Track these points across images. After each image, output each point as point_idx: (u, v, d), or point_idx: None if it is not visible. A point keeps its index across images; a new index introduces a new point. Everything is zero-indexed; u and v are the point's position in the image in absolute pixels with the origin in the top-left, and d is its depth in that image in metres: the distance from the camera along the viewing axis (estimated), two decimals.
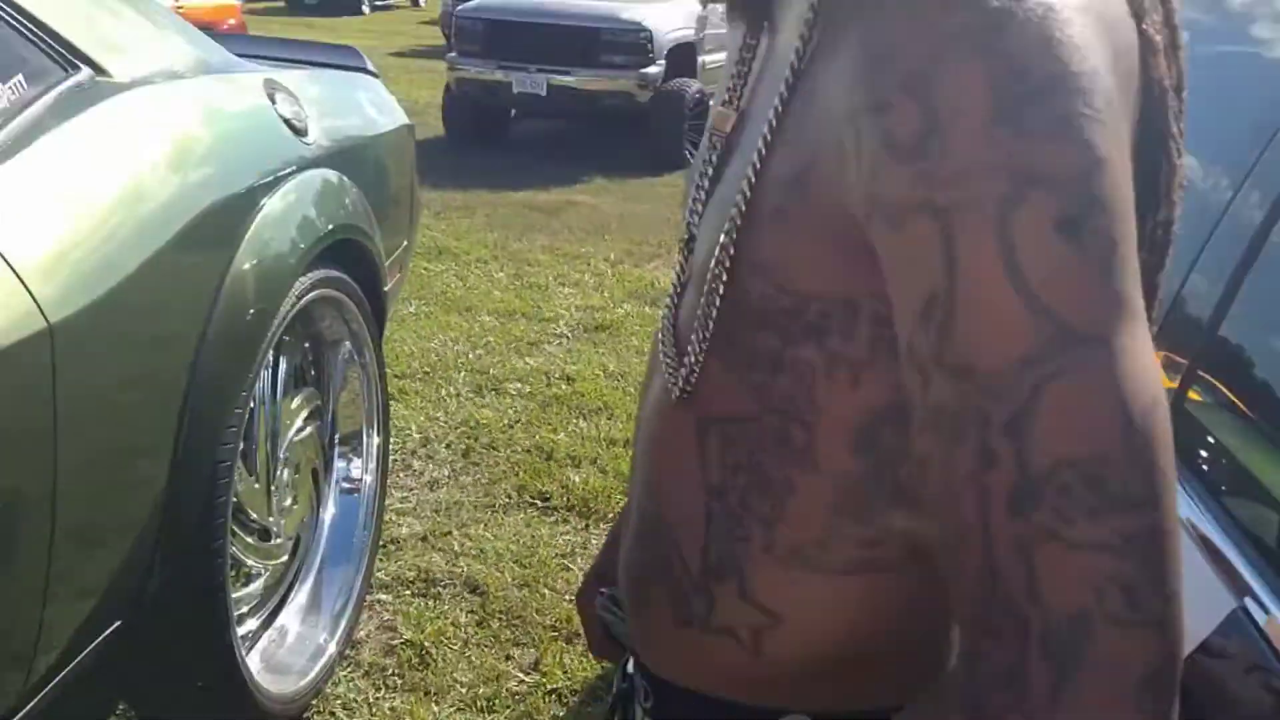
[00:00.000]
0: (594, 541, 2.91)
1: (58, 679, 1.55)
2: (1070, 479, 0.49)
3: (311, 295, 2.05)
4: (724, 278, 0.64)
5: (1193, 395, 1.26)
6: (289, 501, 2.17)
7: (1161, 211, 0.64)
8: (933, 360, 0.52)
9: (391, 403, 3.45)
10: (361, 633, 2.43)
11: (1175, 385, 1.27)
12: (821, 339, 0.60)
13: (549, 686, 2.31)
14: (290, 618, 2.23)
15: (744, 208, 0.62)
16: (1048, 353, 0.50)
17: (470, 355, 4.19)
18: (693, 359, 0.67)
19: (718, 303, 0.64)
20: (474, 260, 5.47)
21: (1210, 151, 1.47)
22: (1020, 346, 0.50)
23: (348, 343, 2.31)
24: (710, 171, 0.70)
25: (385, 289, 2.43)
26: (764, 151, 0.62)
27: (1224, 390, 1.27)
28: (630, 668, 0.82)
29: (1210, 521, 0.76)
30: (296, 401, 2.20)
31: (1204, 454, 1.18)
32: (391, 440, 3.07)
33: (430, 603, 2.58)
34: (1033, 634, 0.49)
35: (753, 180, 0.62)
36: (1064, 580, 0.49)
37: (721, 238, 0.64)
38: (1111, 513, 0.49)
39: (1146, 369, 0.51)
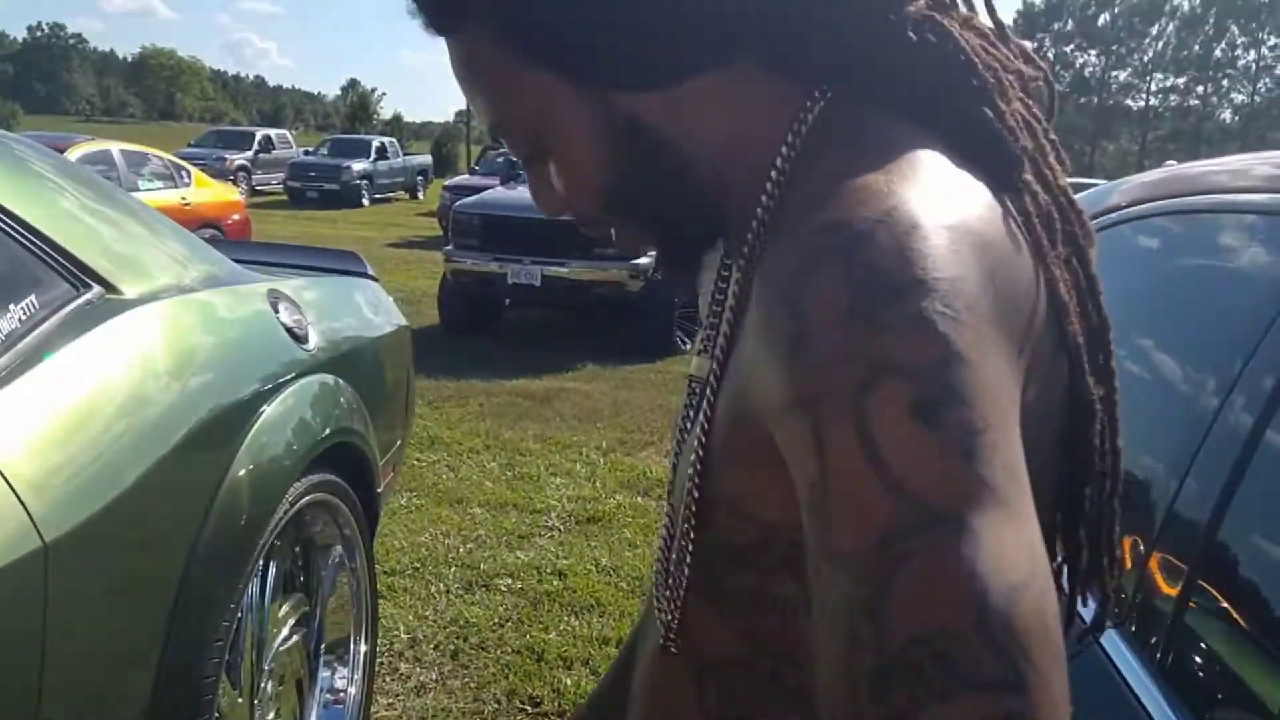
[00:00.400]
0: None
1: None
2: (921, 657, 0.49)
3: (305, 500, 2.04)
4: (693, 519, 0.66)
5: (1192, 604, 1.25)
6: (271, 716, 2.10)
7: (1086, 455, 0.66)
8: (820, 550, 0.53)
9: (380, 601, 3.40)
10: None
11: (1175, 592, 1.27)
12: (797, 571, 0.60)
13: None
14: None
15: (702, 446, 0.66)
16: (904, 531, 0.50)
17: (461, 549, 4.14)
18: (674, 604, 0.68)
19: (692, 544, 0.66)
20: (466, 450, 5.48)
21: (1197, 358, 1.51)
22: (879, 527, 0.51)
23: (339, 547, 2.29)
24: (691, 415, 0.74)
25: (378, 490, 2.43)
26: (715, 388, 0.67)
27: (1224, 599, 1.26)
28: None
29: None
30: (285, 609, 2.16)
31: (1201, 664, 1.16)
32: (378, 641, 3.00)
33: None
34: None
35: (708, 418, 0.66)
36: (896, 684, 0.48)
37: (686, 480, 0.67)
38: (964, 693, 0.48)
39: (1013, 552, 0.51)
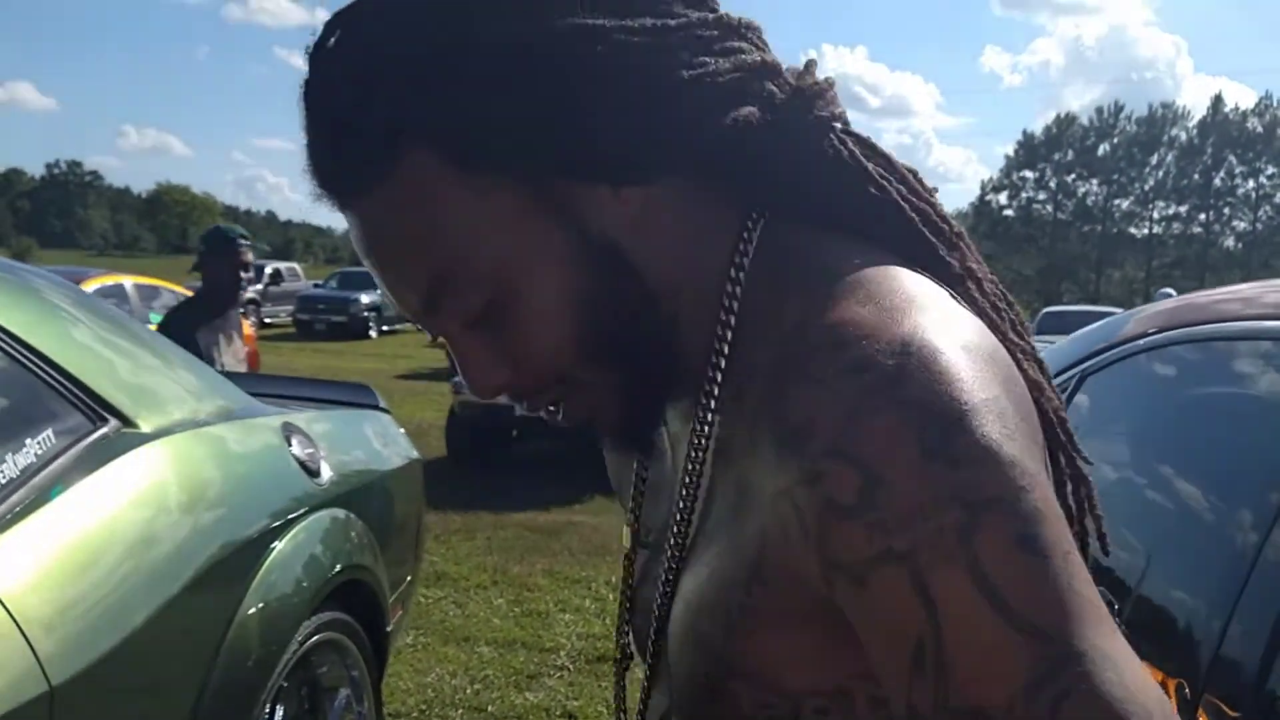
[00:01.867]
0: None
1: None
2: None
3: (314, 640, 1.99)
4: (712, 690, 0.63)
5: None
6: None
7: (1080, 523, 0.66)
8: (938, 709, 0.51)
9: None
10: None
11: None
12: None
13: None
14: None
15: (728, 618, 0.62)
16: (1051, 671, 0.50)
17: (468, 690, 4.02)
18: None
19: (710, 715, 0.63)
20: (473, 586, 5.37)
21: (1227, 489, 1.47)
22: (1024, 672, 0.50)
23: (346, 690, 2.22)
24: (661, 581, 0.69)
25: (388, 629, 2.37)
26: (678, 555, 0.65)
27: None
28: None
29: None
30: None
31: None
32: None
33: None
34: None
35: (725, 587, 0.62)
36: None
37: (699, 657, 0.63)
38: None
39: (1135, 667, 0.51)
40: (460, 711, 3.81)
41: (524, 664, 4.32)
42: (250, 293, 20.85)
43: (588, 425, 0.68)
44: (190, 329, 3.91)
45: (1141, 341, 1.62)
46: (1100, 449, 1.51)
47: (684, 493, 0.67)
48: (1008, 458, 0.52)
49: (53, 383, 1.58)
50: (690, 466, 0.66)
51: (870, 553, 0.53)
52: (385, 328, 24.27)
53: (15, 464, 1.39)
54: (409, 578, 2.68)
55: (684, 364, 0.65)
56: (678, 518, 0.68)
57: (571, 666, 4.34)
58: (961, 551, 0.51)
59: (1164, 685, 1.11)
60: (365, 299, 23.57)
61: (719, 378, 0.63)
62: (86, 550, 1.44)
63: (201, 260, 4.08)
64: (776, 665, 0.60)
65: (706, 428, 0.64)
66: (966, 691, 0.51)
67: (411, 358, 18.44)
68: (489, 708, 3.85)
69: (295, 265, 30.23)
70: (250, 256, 4.10)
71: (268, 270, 24.82)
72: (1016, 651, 0.50)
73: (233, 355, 4.10)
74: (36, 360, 1.55)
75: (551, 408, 0.67)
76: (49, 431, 1.47)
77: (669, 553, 0.69)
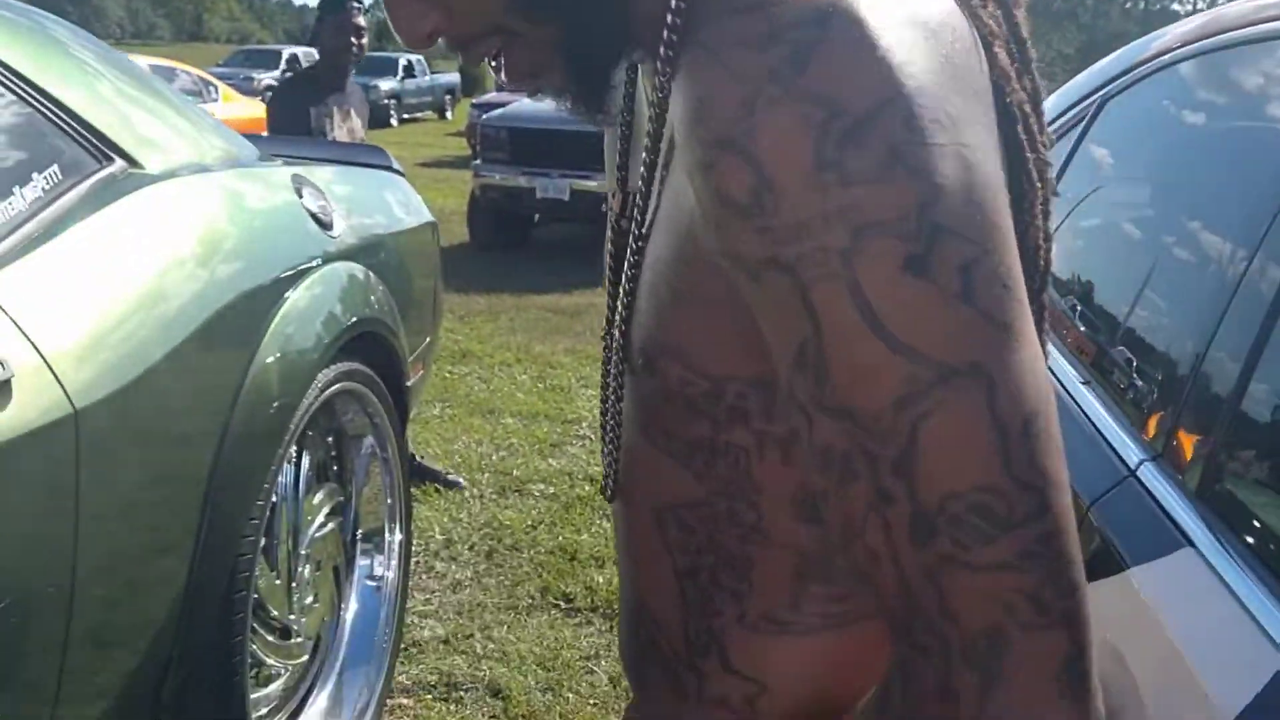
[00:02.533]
0: (616, 644, 2.83)
1: None
2: (959, 511, 0.51)
3: (334, 389, 2.04)
4: (649, 367, 0.66)
5: (1227, 436, 1.21)
6: (310, 599, 2.13)
7: (1030, 234, 0.63)
8: (813, 403, 0.54)
9: (415, 504, 3.42)
10: None
11: (1211, 425, 1.22)
12: (747, 421, 0.62)
13: None
14: (315, 715, 2.17)
15: (660, 295, 0.64)
16: (918, 391, 0.51)
17: (494, 457, 4.16)
18: (615, 453, 0.71)
19: (649, 392, 0.67)
20: (498, 364, 5.48)
21: (1225, 226, 1.44)
22: (892, 389, 0.51)
23: (370, 437, 2.29)
24: (630, 257, 0.70)
25: (408, 384, 2.42)
26: (642, 222, 0.64)
27: (1252, 466, 1.23)
28: None
29: (1249, 581, 0.72)
30: (319, 497, 2.17)
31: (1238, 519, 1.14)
32: (414, 542, 3.02)
33: (452, 707, 2.51)
34: (954, 649, 0.52)
35: (637, 257, 0.64)
36: (972, 600, 0.51)
37: (641, 334, 0.66)
38: (1005, 535, 0.51)
39: (1023, 382, 0.52)
40: (487, 475, 3.96)
41: (547, 434, 4.46)
42: (268, 79, 20.39)
43: (532, 84, 0.65)
44: (300, 102, 3.74)
45: (1165, 57, 1.52)
46: (1116, 174, 1.46)
47: (645, 168, 0.66)
48: (913, 169, 0.50)
49: (57, 121, 1.56)
50: (649, 142, 0.64)
51: (760, 256, 0.52)
52: (406, 116, 23.84)
53: (23, 197, 1.39)
54: (428, 339, 2.72)
55: (636, 29, 0.62)
56: (641, 190, 0.67)
57: (592, 436, 4.47)
58: (843, 273, 0.50)
59: (1148, 417, 1.10)
60: (385, 85, 23.00)
61: (670, 48, 0.59)
62: (98, 284, 1.47)
63: (314, 28, 3.87)
64: (701, 348, 0.62)
65: (663, 98, 0.61)
66: (840, 394, 0.53)
67: (432, 146, 18.19)
68: (514, 472, 3.99)
69: (313, 51, 29.41)
70: (363, 21, 3.85)
71: (284, 55, 24.17)
72: (889, 370, 0.51)
73: (348, 133, 3.89)
74: (38, 97, 1.53)
75: (494, 63, 0.64)
76: (54, 168, 1.47)
77: (634, 230, 0.69)
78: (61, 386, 1.34)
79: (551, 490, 3.86)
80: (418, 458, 3.77)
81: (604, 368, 0.73)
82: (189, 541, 1.67)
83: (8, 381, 1.24)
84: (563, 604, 3.03)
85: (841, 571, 0.63)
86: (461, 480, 3.86)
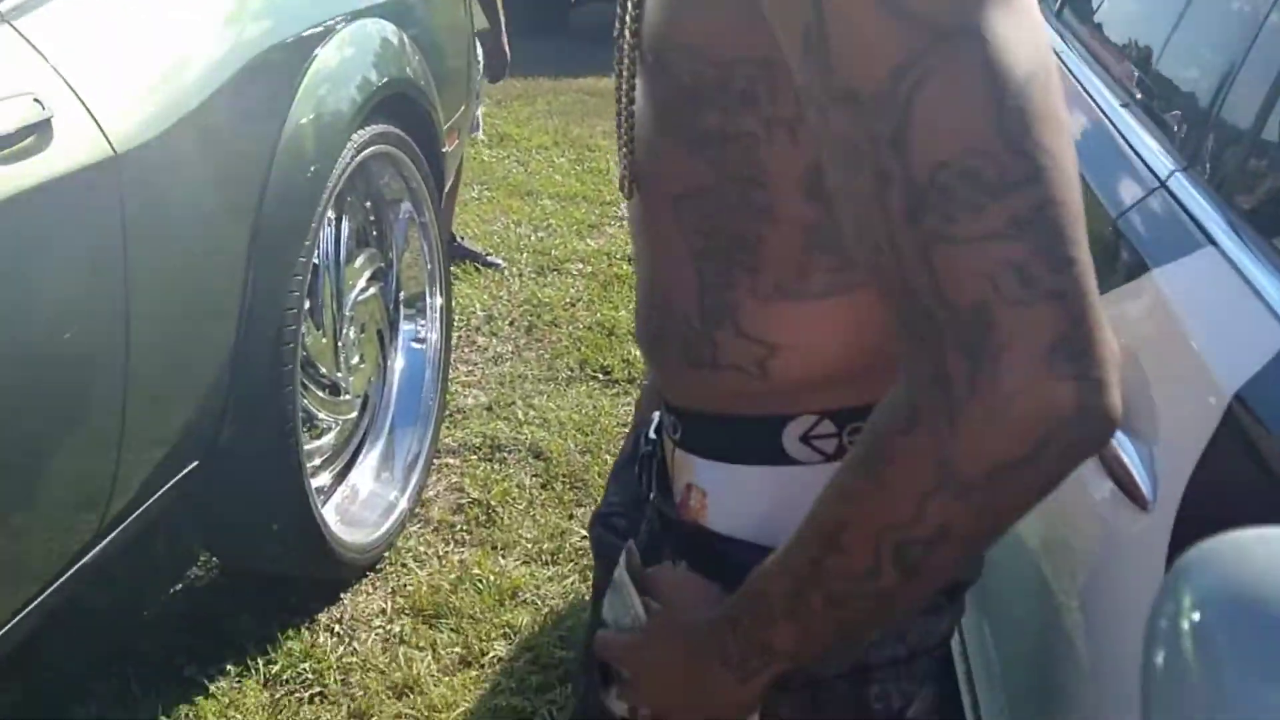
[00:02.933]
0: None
1: (136, 514, 1.60)
2: (949, 180, 0.51)
3: (369, 151, 2.04)
4: (659, 62, 0.68)
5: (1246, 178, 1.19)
6: (356, 359, 2.20)
7: None
8: (824, 94, 0.55)
9: (455, 282, 3.48)
10: (430, 492, 2.48)
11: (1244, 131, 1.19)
12: (755, 106, 0.64)
13: None
14: (362, 475, 2.28)
15: None
16: (915, 57, 0.51)
17: (533, 237, 4.18)
18: (630, 148, 0.74)
19: (660, 87, 0.69)
20: (535, 147, 5.43)
21: None
22: (891, 58, 0.52)
23: (407, 202, 2.31)
24: None
25: (444, 150, 2.42)
26: None
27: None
28: (652, 432, 0.89)
29: (1266, 271, 0.72)
30: (359, 261, 2.21)
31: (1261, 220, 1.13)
32: (456, 317, 3.09)
33: (496, 466, 2.62)
34: (945, 333, 0.52)
35: None
36: (960, 276, 0.52)
37: (650, 37, 0.68)
38: (994, 202, 0.51)
39: (1018, 45, 0.52)
40: (526, 255, 3.99)
41: (585, 215, 4.46)
42: None
43: None
44: None
45: None
46: None
47: None
48: None
49: None
50: None
51: None
52: None
53: None
54: (463, 107, 2.69)
55: None
56: None
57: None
58: None
59: (1180, 132, 1.06)
60: None
61: None
62: (130, 37, 1.46)
63: None
64: (708, 37, 0.65)
65: None
66: (843, 76, 0.53)
67: None
68: (553, 251, 4.02)
69: None
70: None
71: None
72: (889, 37, 0.51)
73: None
74: None
75: None
76: None
77: None
78: (101, 130, 1.36)
79: (589, 269, 3.89)
80: (458, 238, 3.80)
81: (616, 68, 0.75)
82: (235, 295, 1.72)
83: (48, 120, 1.26)
84: (600, 376, 3.11)
85: (844, 242, 0.66)
86: (500, 261, 3.89)
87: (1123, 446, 0.78)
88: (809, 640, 0.66)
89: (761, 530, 0.74)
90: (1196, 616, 0.40)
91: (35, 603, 1.42)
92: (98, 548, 1.52)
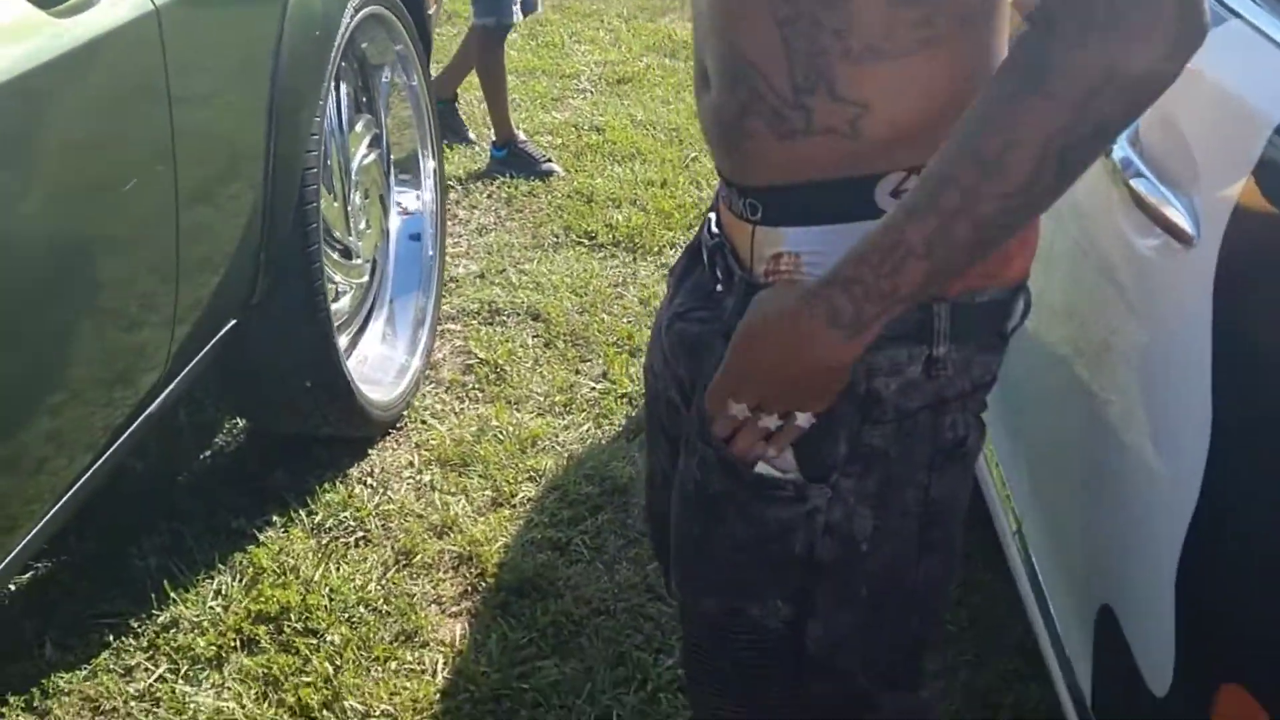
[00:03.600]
0: (642, 272, 3.01)
1: (188, 368, 1.67)
2: None
3: (365, 11, 2.06)
4: None
5: None
6: (363, 225, 2.25)
7: None
8: None
9: None
10: (437, 356, 2.57)
11: None
12: None
13: (619, 392, 2.45)
14: (374, 337, 2.36)
15: None
16: None
17: None
18: None
19: None
20: None
21: None
22: None
23: (387, 69, 2.34)
24: None
25: (429, 11, 2.44)
26: None
27: None
28: (714, 228, 0.96)
29: None
30: (359, 127, 2.24)
31: None
32: None
33: (497, 329, 2.71)
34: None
35: None
36: None
37: None
38: None
39: None
40: (493, 129, 4.00)
41: (547, 89, 4.46)
42: None
43: None
44: None
45: None
46: None
47: None
48: None
49: None
50: None
51: None
52: None
53: None
54: None
55: None
56: None
57: (593, 89, 4.48)
58: None
59: None
60: None
61: None
62: None
63: None
64: None
65: None
66: None
67: None
68: (521, 125, 4.01)
69: None
70: None
71: None
72: None
73: None
74: None
75: None
76: None
77: None
78: None
79: (559, 141, 3.92)
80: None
81: None
82: (260, 159, 1.76)
83: None
84: (586, 241, 3.19)
85: None
86: (471, 135, 3.91)
87: (1164, 194, 0.89)
88: (937, 276, 0.75)
89: None
90: None
91: (110, 450, 1.49)
92: (159, 399, 1.59)
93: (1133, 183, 0.93)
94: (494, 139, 3.70)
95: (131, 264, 1.48)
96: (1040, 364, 1.21)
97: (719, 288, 0.95)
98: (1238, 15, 0.92)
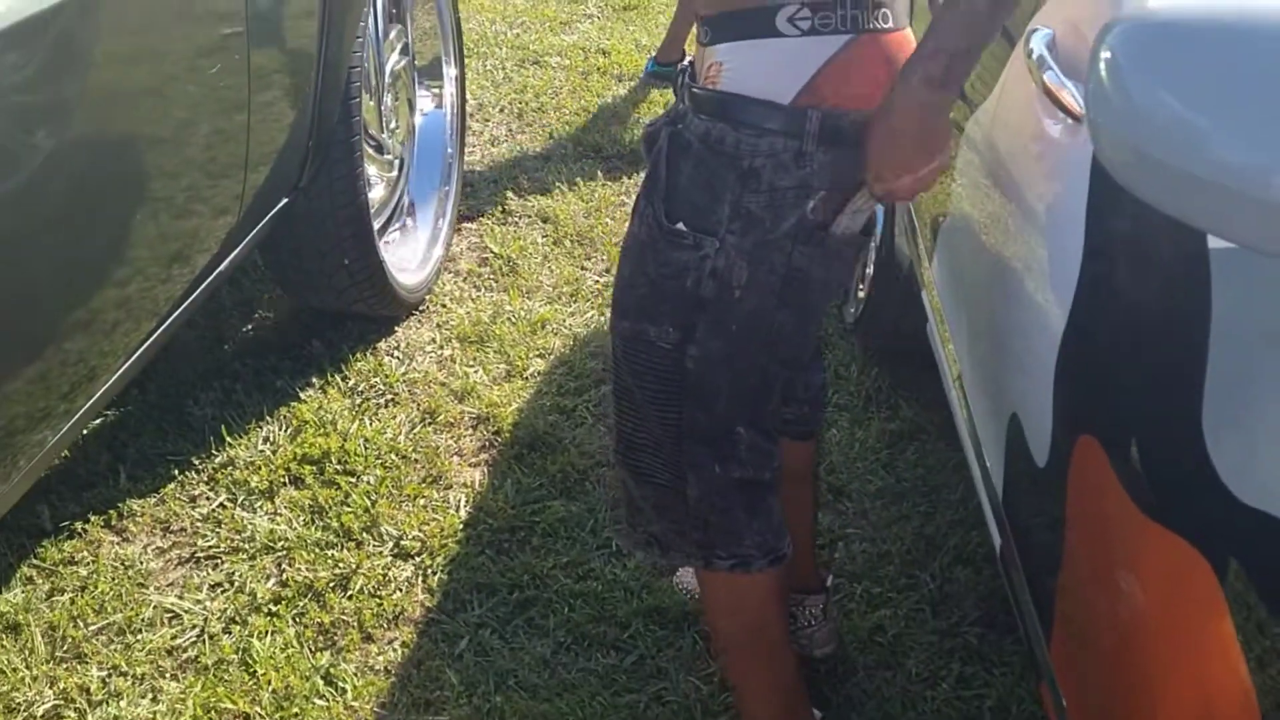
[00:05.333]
0: None
1: (246, 239, 1.91)
2: None
3: None
4: None
5: None
6: (393, 124, 2.48)
7: None
8: None
9: None
10: (455, 249, 2.81)
11: None
12: None
13: None
14: (400, 228, 2.60)
15: None
16: None
17: (509, 33, 4.38)
18: None
19: None
20: None
21: None
22: None
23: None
24: None
25: None
26: None
27: None
28: (685, 63, 1.30)
29: None
30: (393, 35, 2.46)
31: None
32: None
33: (510, 228, 2.95)
34: None
35: None
36: None
37: None
38: None
39: None
40: (504, 49, 4.20)
41: (555, 12, 4.64)
42: None
43: None
44: None
45: None
46: None
47: None
48: None
49: None
50: None
51: None
52: None
53: None
54: None
55: None
56: None
57: (599, 14, 4.66)
58: None
59: None
60: None
61: None
62: None
63: None
64: None
65: None
66: None
67: None
68: (530, 46, 4.23)
69: None
70: None
71: None
72: None
73: None
74: None
75: None
76: None
77: None
78: None
79: (567, 62, 4.12)
80: None
81: None
82: (315, 56, 1.99)
83: None
84: (593, 154, 3.41)
85: None
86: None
87: (1066, 84, 1.14)
88: (978, 33, 1.07)
89: (755, 86, 1.14)
90: (1106, 51, 0.73)
91: (183, 308, 1.74)
92: (225, 261, 1.84)
93: (1044, 75, 1.17)
94: (657, 55, 3.88)
95: (212, 142, 1.72)
96: (970, 225, 1.47)
97: (679, 105, 1.25)
98: None
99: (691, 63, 1.27)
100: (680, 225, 1.18)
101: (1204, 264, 0.86)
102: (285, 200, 2.04)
